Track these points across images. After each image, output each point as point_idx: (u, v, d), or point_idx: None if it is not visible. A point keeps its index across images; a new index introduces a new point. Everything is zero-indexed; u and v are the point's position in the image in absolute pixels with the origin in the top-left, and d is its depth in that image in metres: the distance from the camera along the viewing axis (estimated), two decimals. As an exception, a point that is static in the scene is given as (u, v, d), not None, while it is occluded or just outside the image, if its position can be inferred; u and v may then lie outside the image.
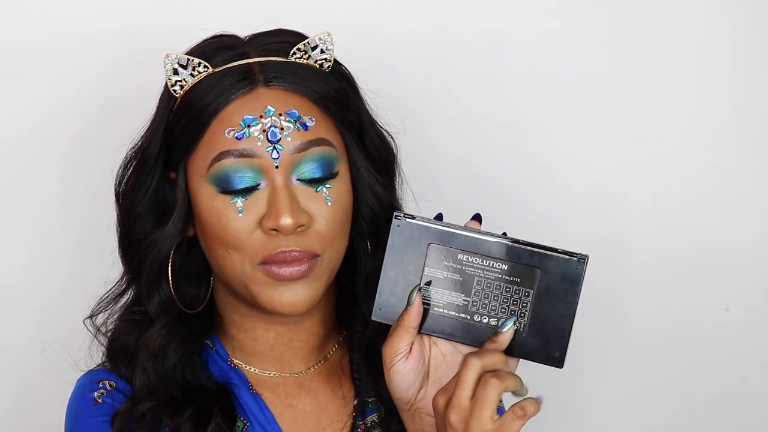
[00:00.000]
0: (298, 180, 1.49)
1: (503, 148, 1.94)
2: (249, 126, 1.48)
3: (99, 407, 1.55)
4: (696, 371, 1.96)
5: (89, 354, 1.59)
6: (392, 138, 1.60)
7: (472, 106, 1.92)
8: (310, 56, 1.53)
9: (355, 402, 1.59)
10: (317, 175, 1.49)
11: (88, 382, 1.56)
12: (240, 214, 1.48)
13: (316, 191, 1.49)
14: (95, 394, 1.55)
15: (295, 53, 1.52)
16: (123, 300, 1.58)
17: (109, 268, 1.58)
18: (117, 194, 1.56)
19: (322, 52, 1.53)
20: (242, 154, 1.48)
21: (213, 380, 1.56)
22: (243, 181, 1.48)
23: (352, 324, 1.61)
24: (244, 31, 1.55)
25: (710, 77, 1.93)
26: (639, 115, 1.93)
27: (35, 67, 1.86)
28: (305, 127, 1.49)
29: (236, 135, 1.48)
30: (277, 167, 1.48)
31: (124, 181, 1.56)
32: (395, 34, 1.90)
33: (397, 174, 1.60)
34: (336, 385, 1.60)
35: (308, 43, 1.52)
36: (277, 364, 1.59)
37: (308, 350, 1.59)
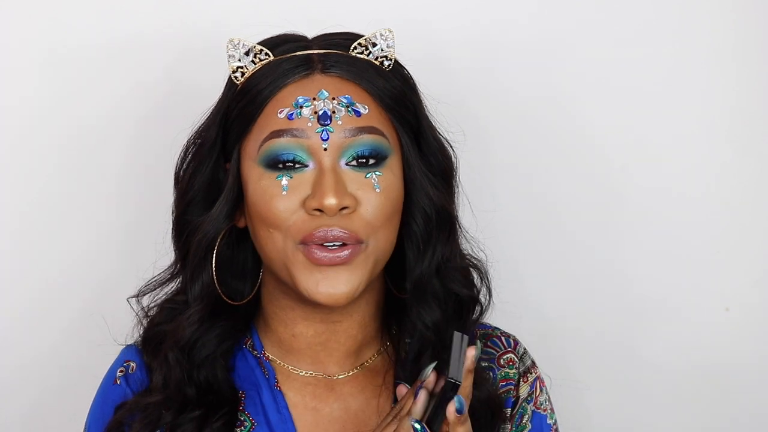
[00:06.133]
0: (346, 165, 1.49)
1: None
2: (301, 107, 1.49)
3: (114, 389, 1.57)
4: (696, 371, 1.93)
5: (132, 333, 1.60)
6: (451, 146, 1.59)
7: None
8: (370, 52, 1.53)
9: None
10: (365, 159, 1.48)
11: (122, 357, 1.58)
12: (284, 192, 1.48)
13: (365, 177, 1.49)
14: (118, 372, 1.57)
15: (356, 48, 1.53)
16: (170, 286, 1.59)
17: (161, 254, 1.61)
18: (176, 177, 1.58)
19: (382, 49, 1.54)
20: (293, 135, 1.48)
21: (231, 384, 1.55)
22: (289, 156, 1.48)
23: (400, 334, 1.58)
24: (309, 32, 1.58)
25: (712, 77, 1.92)
26: (639, 115, 1.92)
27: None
28: (357, 113, 1.50)
29: (288, 115, 1.49)
30: (325, 149, 1.48)
31: (183, 166, 1.58)
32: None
33: (454, 182, 1.59)
34: (371, 394, 1.57)
35: (369, 38, 1.54)
36: (312, 363, 1.57)
37: (344, 353, 1.57)
